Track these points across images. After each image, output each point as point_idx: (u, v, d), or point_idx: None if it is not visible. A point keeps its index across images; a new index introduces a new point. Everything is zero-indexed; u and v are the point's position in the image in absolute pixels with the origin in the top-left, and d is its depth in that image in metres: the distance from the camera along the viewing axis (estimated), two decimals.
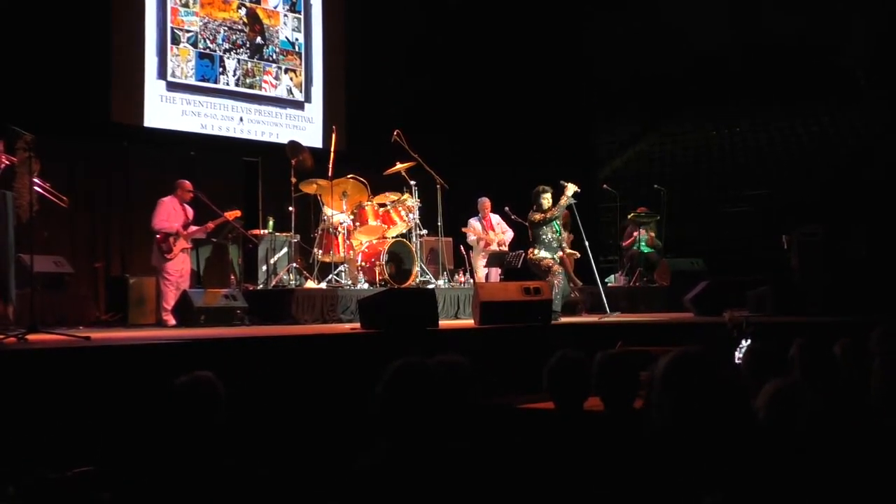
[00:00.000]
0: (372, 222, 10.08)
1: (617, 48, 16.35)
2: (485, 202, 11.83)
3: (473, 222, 11.77)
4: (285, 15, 12.83)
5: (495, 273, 11.49)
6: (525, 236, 11.38)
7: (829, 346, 4.04)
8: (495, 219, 11.83)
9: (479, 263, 11.59)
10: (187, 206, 9.60)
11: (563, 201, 9.37)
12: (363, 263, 9.96)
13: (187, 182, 9.65)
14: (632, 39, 16.34)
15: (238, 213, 10.04)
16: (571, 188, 9.34)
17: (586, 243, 9.88)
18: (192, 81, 11.73)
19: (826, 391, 3.45)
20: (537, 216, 9.39)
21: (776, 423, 2.47)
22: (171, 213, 9.44)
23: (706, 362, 2.32)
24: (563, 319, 9.10)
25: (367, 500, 2.46)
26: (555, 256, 9.44)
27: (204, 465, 2.95)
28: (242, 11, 12.32)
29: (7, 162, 6.72)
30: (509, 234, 11.80)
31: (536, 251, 9.45)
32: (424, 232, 10.69)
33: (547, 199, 9.38)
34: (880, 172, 15.44)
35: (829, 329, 6.69)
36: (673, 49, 16.25)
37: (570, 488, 3.04)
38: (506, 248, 11.61)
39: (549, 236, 9.43)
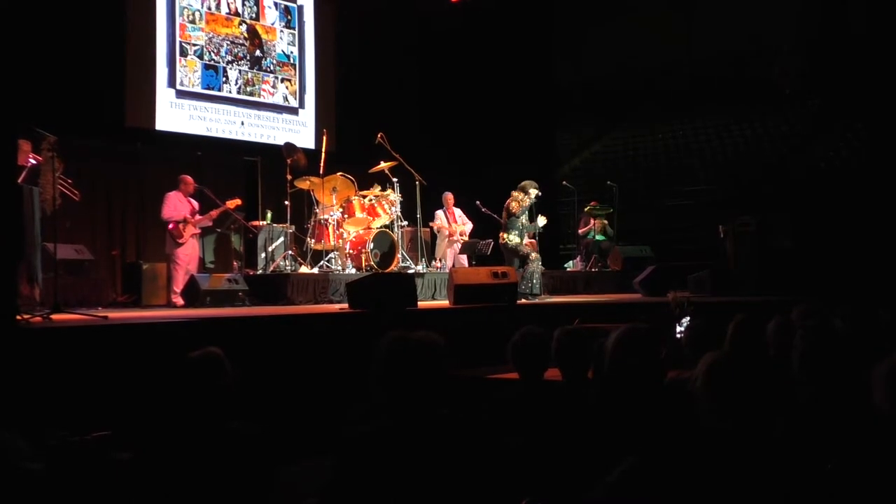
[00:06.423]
0: (359, 214, 10.03)
1: (576, 64, 16.41)
2: (448, 196, 11.78)
3: (440, 214, 11.73)
4: (281, 31, 12.72)
5: (463, 259, 11.46)
6: (486, 226, 11.43)
7: (760, 322, 4.06)
8: (457, 211, 11.80)
9: (448, 252, 11.56)
10: (191, 199, 9.56)
11: (526, 203, 9.36)
12: (351, 251, 9.92)
13: (188, 177, 9.62)
14: (589, 56, 16.41)
15: (238, 201, 9.99)
16: (534, 192, 9.35)
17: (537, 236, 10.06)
18: (198, 89, 11.61)
19: (755, 362, 3.47)
20: (514, 205, 9.33)
21: (711, 390, 2.48)
22: (177, 205, 9.41)
23: (650, 336, 2.33)
24: (524, 301, 8.89)
25: (362, 459, 2.46)
26: (524, 242, 9.45)
27: (211, 427, 2.95)
28: (243, 28, 12.21)
29: (34, 161, 6.67)
30: (469, 226, 11.77)
31: (509, 236, 9.41)
32: (405, 223, 10.66)
33: (529, 198, 9.33)
34: (803, 172, 15.60)
35: (759, 308, 6.76)
36: (623, 65, 16.32)
37: (532, 448, 3.04)
38: (466, 238, 11.59)
39: (523, 221, 9.40)
